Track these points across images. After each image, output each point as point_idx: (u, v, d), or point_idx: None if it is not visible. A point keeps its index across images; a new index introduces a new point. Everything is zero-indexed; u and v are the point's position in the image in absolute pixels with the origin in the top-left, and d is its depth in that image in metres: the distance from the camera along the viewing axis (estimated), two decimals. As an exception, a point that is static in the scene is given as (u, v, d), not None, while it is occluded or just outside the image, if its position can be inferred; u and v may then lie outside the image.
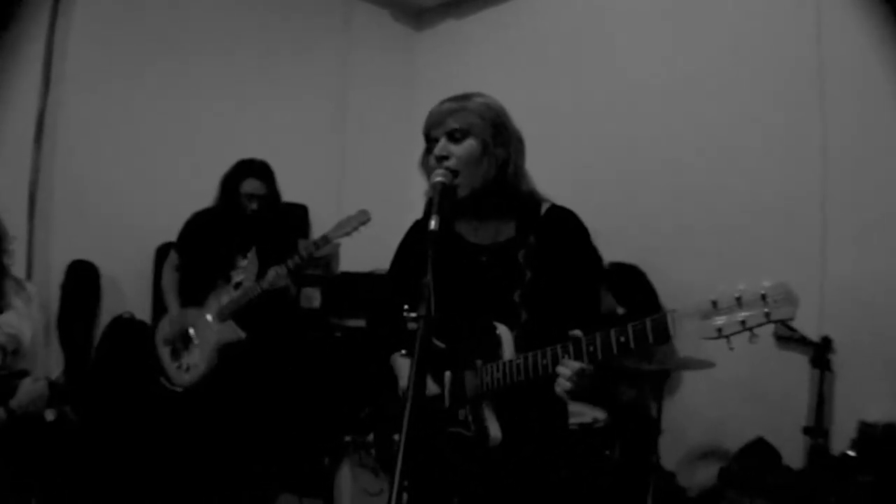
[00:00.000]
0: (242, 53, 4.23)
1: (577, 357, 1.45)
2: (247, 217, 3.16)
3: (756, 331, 1.23)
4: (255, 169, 3.16)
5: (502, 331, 1.61)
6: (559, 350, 1.48)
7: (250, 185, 3.13)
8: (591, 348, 1.43)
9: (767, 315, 1.21)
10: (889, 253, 2.65)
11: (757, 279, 1.23)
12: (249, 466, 3.33)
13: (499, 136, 1.67)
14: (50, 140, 3.64)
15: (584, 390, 1.47)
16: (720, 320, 1.25)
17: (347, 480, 2.64)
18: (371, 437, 1.91)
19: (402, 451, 1.11)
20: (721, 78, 3.14)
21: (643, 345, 1.35)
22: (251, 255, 3.17)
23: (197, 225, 3.26)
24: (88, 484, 3.18)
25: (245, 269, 3.15)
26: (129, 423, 3.36)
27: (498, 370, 1.57)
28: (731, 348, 1.24)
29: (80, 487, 3.15)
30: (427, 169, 1.69)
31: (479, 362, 1.61)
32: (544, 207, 1.72)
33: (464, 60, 4.44)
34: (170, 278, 3.29)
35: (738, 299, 1.24)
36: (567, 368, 1.46)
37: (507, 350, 1.59)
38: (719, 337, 1.26)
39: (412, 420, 1.17)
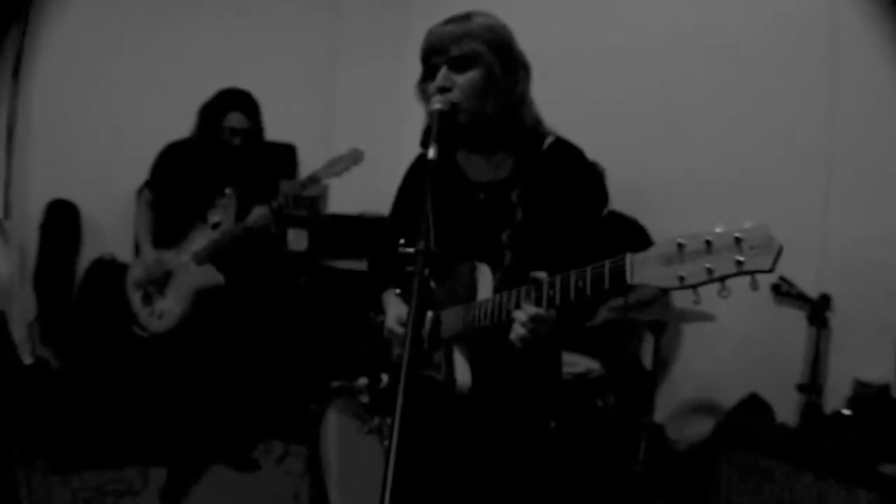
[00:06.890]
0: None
1: (538, 302, 1.32)
2: (228, 152, 2.99)
3: (729, 282, 1.04)
4: (239, 101, 2.98)
5: (482, 272, 1.51)
6: (522, 293, 1.36)
7: (234, 119, 2.95)
8: (551, 292, 1.30)
9: (739, 264, 1.02)
10: (894, 210, 2.58)
11: (740, 221, 1.04)
12: (231, 413, 3.26)
13: (505, 64, 1.53)
14: (28, 77, 3.50)
15: (541, 337, 1.34)
16: (684, 268, 1.08)
17: (334, 427, 2.58)
18: (358, 381, 1.84)
19: (401, 394, 1.03)
20: (726, 26, 3.01)
21: (600, 290, 1.20)
22: (229, 193, 3.01)
23: (172, 158, 3.07)
24: (68, 429, 3.11)
25: (223, 209, 2.99)
26: (108, 368, 3.26)
27: (468, 313, 1.48)
28: (725, 296, 1.05)
29: (60, 432, 3.09)
30: (425, 95, 1.56)
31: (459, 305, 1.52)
32: (547, 142, 1.59)
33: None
34: (143, 218, 3.12)
35: (709, 243, 1.06)
36: (523, 313, 1.33)
37: (484, 293, 1.49)
38: (681, 287, 1.09)
39: (410, 362, 1.08)
